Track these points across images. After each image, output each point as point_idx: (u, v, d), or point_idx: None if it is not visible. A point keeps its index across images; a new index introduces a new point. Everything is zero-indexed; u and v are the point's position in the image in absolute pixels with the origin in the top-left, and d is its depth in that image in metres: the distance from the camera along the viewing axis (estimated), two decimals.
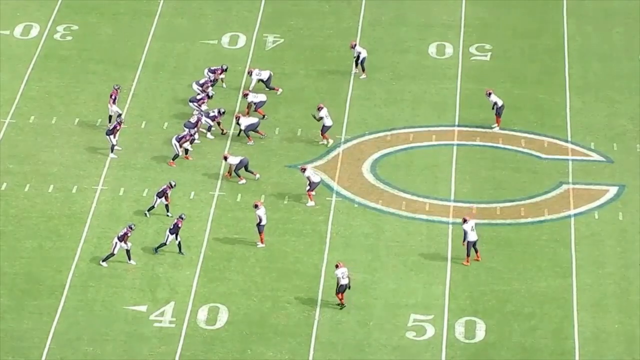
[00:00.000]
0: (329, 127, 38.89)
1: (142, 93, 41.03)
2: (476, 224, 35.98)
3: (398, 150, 39.04)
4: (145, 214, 36.05)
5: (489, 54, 42.80)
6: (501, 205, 37.17)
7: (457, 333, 33.20)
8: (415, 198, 37.37)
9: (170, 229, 34.82)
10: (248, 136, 38.74)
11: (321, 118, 38.73)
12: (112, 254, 34.70)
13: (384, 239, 35.97)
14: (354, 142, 39.27)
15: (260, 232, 35.40)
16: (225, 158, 37.37)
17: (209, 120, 38.85)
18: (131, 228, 34.57)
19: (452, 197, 37.38)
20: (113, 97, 39.01)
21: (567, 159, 38.78)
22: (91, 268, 34.82)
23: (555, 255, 35.54)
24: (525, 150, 39.06)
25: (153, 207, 36.17)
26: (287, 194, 37.36)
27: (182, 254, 34.91)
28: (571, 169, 38.47)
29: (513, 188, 37.70)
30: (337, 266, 33.55)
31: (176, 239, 34.81)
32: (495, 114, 39.69)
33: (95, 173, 37.89)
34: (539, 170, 38.35)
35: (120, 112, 39.22)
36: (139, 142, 39.01)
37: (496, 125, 39.74)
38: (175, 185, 36.37)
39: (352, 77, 41.79)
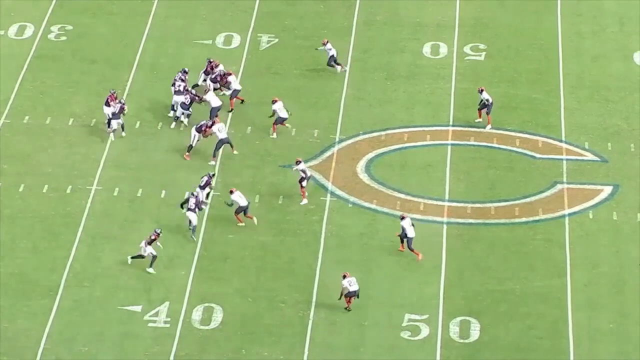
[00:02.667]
0: (284, 119, 38.92)
1: (136, 93, 41.02)
2: (470, 223, 36.23)
3: (392, 150, 39.12)
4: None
5: (484, 53, 42.87)
6: (495, 205, 37.26)
7: (452, 333, 33.25)
8: (409, 198, 37.44)
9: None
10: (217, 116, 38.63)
11: (274, 112, 38.83)
12: (142, 256, 34.56)
13: (379, 238, 36.02)
14: (349, 142, 39.32)
15: (245, 214, 35.24)
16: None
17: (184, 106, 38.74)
18: (157, 233, 34.46)
19: (447, 197, 37.44)
20: (109, 100, 38.94)
21: (562, 159, 38.87)
22: (86, 268, 34.87)
23: (550, 255, 35.61)
24: (520, 150, 39.16)
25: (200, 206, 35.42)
26: (281, 194, 37.40)
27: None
28: (565, 168, 38.56)
29: (507, 188, 37.79)
30: (344, 277, 33.50)
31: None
32: (486, 113, 39.70)
33: (89, 173, 37.92)
34: (534, 169, 38.44)
35: (122, 102, 39.07)
36: (133, 142, 39.01)
37: (483, 120, 39.73)
38: (214, 175, 36.18)
39: (347, 77, 41.83)
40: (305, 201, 36.90)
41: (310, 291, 34.21)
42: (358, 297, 33.59)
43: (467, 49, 43.04)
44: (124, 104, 39.08)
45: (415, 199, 37.38)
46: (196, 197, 35.53)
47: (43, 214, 36.50)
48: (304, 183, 36.83)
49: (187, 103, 39.31)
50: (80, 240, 35.63)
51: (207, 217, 36.43)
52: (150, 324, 33.19)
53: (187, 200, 35.69)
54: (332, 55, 41.34)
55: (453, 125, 40.03)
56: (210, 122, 38.34)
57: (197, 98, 39.36)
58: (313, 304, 33.84)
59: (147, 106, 40.26)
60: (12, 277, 34.55)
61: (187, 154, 38.36)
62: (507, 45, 43.29)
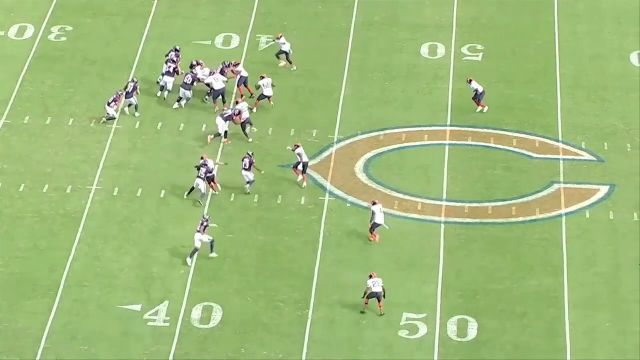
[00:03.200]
0: (267, 97, 39.40)
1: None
2: (468, 223, 36.33)
3: (391, 150, 39.17)
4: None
5: (481, 54, 42.87)
6: (493, 204, 37.32)
7: (449, 332, 33.32)
8: (407, 197, 37.51)
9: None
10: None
11: (259, 87, 39.34)
12: (196, 249, 34.82)
13: (377, 237, 36.00)
14: (347, 142, 39.39)
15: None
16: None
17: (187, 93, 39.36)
18: (206, 219, 34.78)
19: (445, 197, 37.51)
20: (113, 100, 38.96)
21: (559, 159, 38.92)
22: (86, 267, 34.94)
23: (547, 254, 35.68)
24: (517, 150, 39.19)
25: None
26: (280, 194, 37.48)
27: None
28: (562, 168, 38.60)
29: (505, 187, 37.85)
30: (370, 277, 33.63)
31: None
32: (477, 101, 39.83)
33: (89, 173, 37.97)
34: (531, 169, 38.48)
35: (135, 80, 39.50)
36: (132, 143, 39.08)
37: (482, 107, 39.78)
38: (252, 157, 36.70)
39: (345, 77, 41.84)
40: (303, 182, 37.09)
41: (309, 290, 34.29)
42: (383, 298, 33.38)
43: (464, 50, 43.06)
44: (136, 83, 39.42)
45: (414, 199, 37.45)
46: (207, 166, 36.07)
47: (43, 213, 36.57)
48: (299, 167, 37.13)
49: (189, 83, 39.41)
50: (80, 239, 35.71)
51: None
52: (150, 323, 33.28)
53: (200, 167, 36.18)
54: (285, 51, 41.33)
55: (451, 126, 40.08)
56: (237, 110, 38.47)
57: (198, 79, 39.55)
58: (312, 303, 33.91)
59: (146, 106, 40.26)
60: (13, 276, 34.63)
61: (225, 140, 38.68)
62: (504, 45, 43.32)
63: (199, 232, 34.90)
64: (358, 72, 42.06)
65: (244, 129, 38.98)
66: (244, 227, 36.26)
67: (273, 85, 39.79)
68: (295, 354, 32.74)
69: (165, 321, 33.40)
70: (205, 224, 34.78)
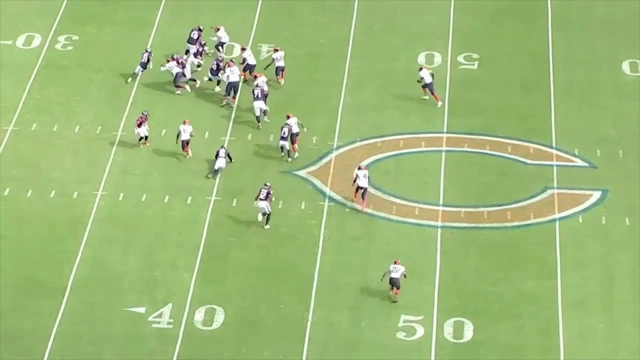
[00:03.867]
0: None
1: (140, 101, 41.18)
2: (464, 227, 36.57)
3: (388, 156, 39.32)
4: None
5: (477, 62, 42.86)
6: (488, 209, 37.51)
7: (446, 333, 33.57)
8: (405, 203, 37.69)
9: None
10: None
11: (273, 60, 40.97)
12: (265, 214, 35.96)
13: (375, 242, 36.34)
14: (346, 148, 39.56)
15: None
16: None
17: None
18: (268, 186, 35.92)
19: (441, 202, 37.70)
20: (139, 121, 38.88)
21: (552, 165, 39.06)
22: (92, 271, 35.18)
23: (541, 257, 35.90)
24: (512, 156, 39.32)
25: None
26: (281, 199, 37.67)
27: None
28: (556, 174, 38.76)
29: (500, 193, 38.02)
30: (395, 262, 34.27)
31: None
32: (429, 91, 40.41)
33: (95, 179, 38.18)
34: (525, 175, 38.63)
35: (149, 51, 40.81)
36: (137, 149, 39.32)
37: (432, 97, 40.48)
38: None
39: (344, 85, 41.90)
40: (294, 153, 38.50)
41: (309, 293, 34.54)
42: (398, 288, 33.91)
43: (460, 58, 43.09)
44: (150, 53, 40.59)
45: (411, 204, 37.66)
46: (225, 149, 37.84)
47: (50, 218, 36.80)
48: (293, 138, 38.43)
49: (215, 69, 40.35)
50: (86, 243, 35.94)
51: (208, 222, 36.79)
52: (154, 325, 33.56)
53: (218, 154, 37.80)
54: (223, 43, 42.06)
55: (447, 133, 40.20)
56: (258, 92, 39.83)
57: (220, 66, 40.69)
58: (312, 305, 34.17)
59: (150, 113, 40.19)
60: (21, 279, 34.89)
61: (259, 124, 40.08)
62: (499, 54, 43.28)
63: (262, 199, 35.68)
64: (357, 79, 42.17)
65: (260, 115, 39.81)
66: (245, 231, 36.49)
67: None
68: (296, 354, 33.01)
69: (168, 323, 33.67)
70: (268, 191, 35.72)
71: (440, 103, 40.80)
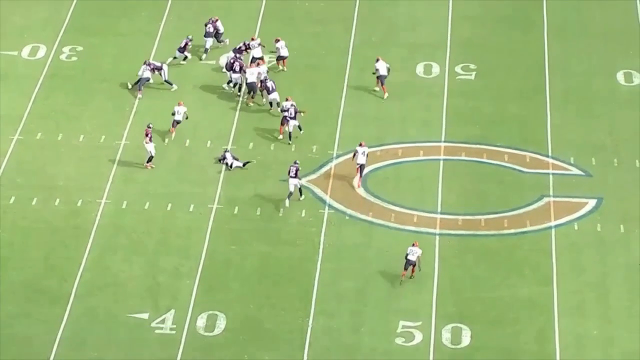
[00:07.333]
0: (283, 57, 42.18)
1: (143, 111, 41.31)
2: (461, 235, 36.79)
3: (387, 164, 39.51)
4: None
5: (474, 73, 43.00)
6: (485, 217, 37.69)
7: (444, 339, 33.75)
8: (403, 210, 37.85)
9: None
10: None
11: (278, 49, 42.44)
12: (291, 193, 36.93)
13: (374, 249, 36.53)
14: (346, 157, 39.65)
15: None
16: None
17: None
18: (297, 163, 36.96)
19: (439, 210, 37.88)
20: (149, 135, 38.94)
21: (548, 173, 39.18)
22: (95, 277, 35.36)
23: (537, 264, 36.06)
24: (508, 165, 39.45)
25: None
26: (281, 207, 37.87)
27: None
28: (552, 182, 38.88)
29: (497, 201, 38.15)
30: (413, 244, 34.98)
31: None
32: (380, 82, 41.03)
33: (99, 187, 38.31)
34: (521, 183, 38.74)
35: (189, 37, 41.68)
36: (140, 158, 39.39)
37: (383, 91, 41.19)
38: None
39: (344, 95, 42.05)
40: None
41: (309, 299, 34.74)
42: (417, 269, 34.71)
43: (458, 69, 43.17)
44: (190, 40, 41.78)
45: (409, 212, 37.84)
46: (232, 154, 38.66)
47: (55, 225, 36.98)
48: (284, 121, 39.41)
49: (238, 70, 41.28)
50: (90, 250, 36.14)
51: (210, 230, 37.05)
52: (157, 331, 33.77)
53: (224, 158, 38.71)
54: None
55: (445, 142, 40.35)
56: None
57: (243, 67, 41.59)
58: (312, 311, 34.38)
59: (153, 123, 40.46)
60: (26, 285, 35.09)
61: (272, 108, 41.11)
62: (496, 64, 43.32)
63: (292, 177, 36.77)
64: (356, 89, 42.34)
65: (263, 90, 40.85)
66: (247, 238, 36.71)
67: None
68: (296, 359, 33.24)
69: (171, 329, 33.85)
70: (297, 168, 36.92)
71: (387, 95, 41.46)
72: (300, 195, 37.75)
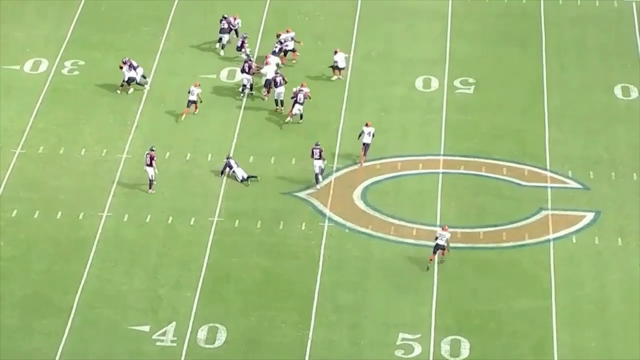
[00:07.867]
0: (291, 51, 43.14)
1: (144, 125, 41.57)
2: (460, 247, 36.82)
3: (387, 178, 39.67)
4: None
5: (472, 87, 43.23)
6: (484, 230, 37.90)
7: (443, 351, 33.92)
8: (403, 223, 38.06)
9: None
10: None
11: (284, 40, 43.25)
12: (317, 174, 38.02)
13: (374, 261, 36.71)
14: (346, 170, 39.94)
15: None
16: None
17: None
18: (318, 145, 37.82)
19: (438, 223, 37.99)
20: (154, 159, 38.73)
21: (546, 187, 39.39)
22: (97, 290, 35.52)
23: (536, 277, 36.25)
24: (507, 178, 39.67)
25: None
26: (281, 220, 38.14)
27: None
28: (550, 195, 39.10)
29: (495, 214, 38.36)
30: (443, 228, 35.50)
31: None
32: (334, 69, 42.19)
33: (100, 201, 38.50)
34: (520, 197, 38.98)
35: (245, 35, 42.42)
36: (141, 171, 39.51)
37: (337, 76, 42.31)
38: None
39: (344, 108, 42.20)
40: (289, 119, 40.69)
41: (309, 311, 34.93)
42: (447, 252, 35.51)
43: (457, 83, 43.45)
44: (246, 36, 42.35)
45: (409, 225, 38.05)
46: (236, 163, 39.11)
47: (57, 238, 37.17)
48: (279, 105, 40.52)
49: (247, 71, 42.16)
50: (91, 263, 36.31)
51: (211, 243, 37.21)
52: (158, 343, 33.93)
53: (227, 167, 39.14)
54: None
55: (444, 155, 40.55)
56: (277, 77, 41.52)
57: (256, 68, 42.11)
58: (312, 323, 34.55)
59: (154, 136, 40.78)
60: (28, 297, 35.27)
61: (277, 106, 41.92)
62: (494, 79, 43.59)
63: (317, 159, 37.80)
64: (356, 104, 42.49)
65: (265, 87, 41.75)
66: (247, 251, 36.89)
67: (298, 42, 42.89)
68: None
69: (172, 341, 34.02)
70: (320, 149, 37.89)
71: (337, 78, 42.55)
72: (322, 179, 38.37)
